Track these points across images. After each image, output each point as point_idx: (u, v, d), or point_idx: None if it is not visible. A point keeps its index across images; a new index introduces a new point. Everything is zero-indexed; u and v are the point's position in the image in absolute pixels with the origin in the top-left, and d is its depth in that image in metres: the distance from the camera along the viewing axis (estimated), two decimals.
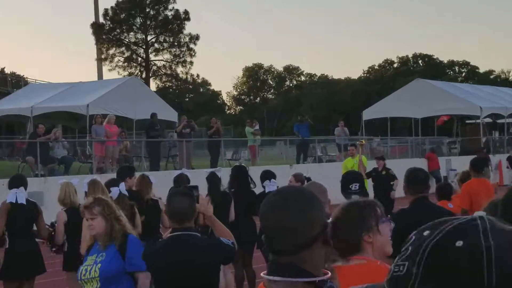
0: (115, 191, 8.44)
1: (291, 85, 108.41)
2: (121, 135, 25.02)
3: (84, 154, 24.50)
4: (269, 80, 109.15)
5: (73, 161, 22.39)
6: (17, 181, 9.09)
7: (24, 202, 8.83)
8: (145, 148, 24.68)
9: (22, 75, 78.47)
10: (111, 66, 63.20)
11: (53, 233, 8.84)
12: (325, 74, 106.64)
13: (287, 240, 2.27)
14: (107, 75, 63.88)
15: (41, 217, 8.91)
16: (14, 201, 8.75)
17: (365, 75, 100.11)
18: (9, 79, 63.56)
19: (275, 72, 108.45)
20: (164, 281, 4.89)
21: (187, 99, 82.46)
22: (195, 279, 4.82)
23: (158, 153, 24.46)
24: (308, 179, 10.20)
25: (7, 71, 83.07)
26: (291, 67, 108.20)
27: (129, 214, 8.26)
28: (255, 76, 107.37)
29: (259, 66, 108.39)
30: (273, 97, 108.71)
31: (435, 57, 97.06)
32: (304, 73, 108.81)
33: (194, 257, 4.77)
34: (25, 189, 8.99)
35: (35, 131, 21.31)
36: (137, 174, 10.08)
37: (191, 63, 64.92)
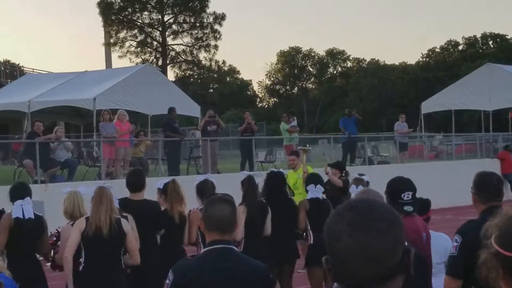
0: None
1: (335, 72, 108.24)
2: (139, 134, 25.25)
3: (90, 157, 24.64)
4: (309, 67, 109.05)
5: (78, 165, 22.53)
6: (21, 191, 9.00)
7: (32, 216, 8.80)
8: (162, 149, 24.78)
9: (17, 63, 79.40)
10: (121, 52, 63.78)
11: (55, 250, 8.88)
12: (376, 59, 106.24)
13: (369, 270, 2.18)
14: (117, 62, 64.33)
15: (46, 233, 8.94)
16: (21, 216, 8.70)
17: (424, 59, 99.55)
18: (2, 68, 64.24)
19: (316, 57, 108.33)
20: None
21: (211, 90, 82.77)
22: None
23: (178, 154, 24.52)
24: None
25: None
26: (334, 51, 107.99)
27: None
28: (291, 62, 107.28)
29: (296, 50, 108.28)
30: (313, 86, 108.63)
31: (508, 37, 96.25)
32: (350, 58, 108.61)
33: (242, 276, 4.74)
34: (31, 199, 8.92)
35: (32, 129, 21.47)
36: (166, 179, 10.03)
37: (216, 47, 65.25)
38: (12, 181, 18.69)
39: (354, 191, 10.27)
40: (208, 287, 4.71)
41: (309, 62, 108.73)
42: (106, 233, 7.72)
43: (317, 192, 10.49)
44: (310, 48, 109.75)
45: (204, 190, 9.34)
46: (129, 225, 8.08)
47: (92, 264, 7.78)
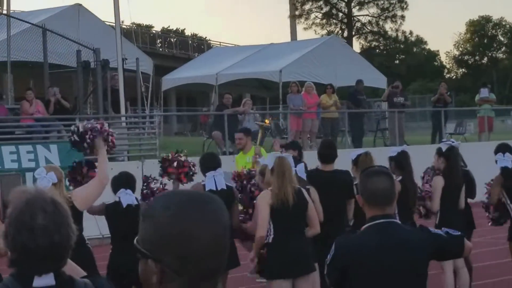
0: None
1: None
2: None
3: (277, 128, 24.93)
4: (500, 36, 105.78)
5: (265, 136, 22.84)
6: (213, 162, 9.16)
7: (225, 187, 8.95)
8: (348, 121, 24.73)
9: (204, 37, 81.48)
10: (306, 24, 64.10)
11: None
12: None
13: None
14: (302, 34, 64.67)
15: (236, 203, 9.07)
16: (213, 188, 8.80)
17: None
18: (190, 42, 66.08)
19: (507, 26, 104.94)
20: (372, 281, 4.69)
21: (397, 62, 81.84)
22: (414, 279, 4.75)
23: (361, 126, 24.34)
24: None
25: (187, 33, 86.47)
26: None
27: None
28: (481, 31, 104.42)
29: (486, 19, 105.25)
30: (504, 56, 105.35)
31: None
32: None
33: (407, 250, 4.67)
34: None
35: (222, 101, 21.96)
36: (359, 151, 10.00)
37: (403, 17, 64.46)
38: (201, 153, 19.22)
39: None
40: (370, 263, 4.65)
41: (500, 31, 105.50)
42: (291, 204, 7.71)
43: (506, 161, 9.87)
44: (501, 17, 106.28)
45: (402, 161, 9.20)
46: (307, 195, 8.06)
47: (280, 235, 7.82)
